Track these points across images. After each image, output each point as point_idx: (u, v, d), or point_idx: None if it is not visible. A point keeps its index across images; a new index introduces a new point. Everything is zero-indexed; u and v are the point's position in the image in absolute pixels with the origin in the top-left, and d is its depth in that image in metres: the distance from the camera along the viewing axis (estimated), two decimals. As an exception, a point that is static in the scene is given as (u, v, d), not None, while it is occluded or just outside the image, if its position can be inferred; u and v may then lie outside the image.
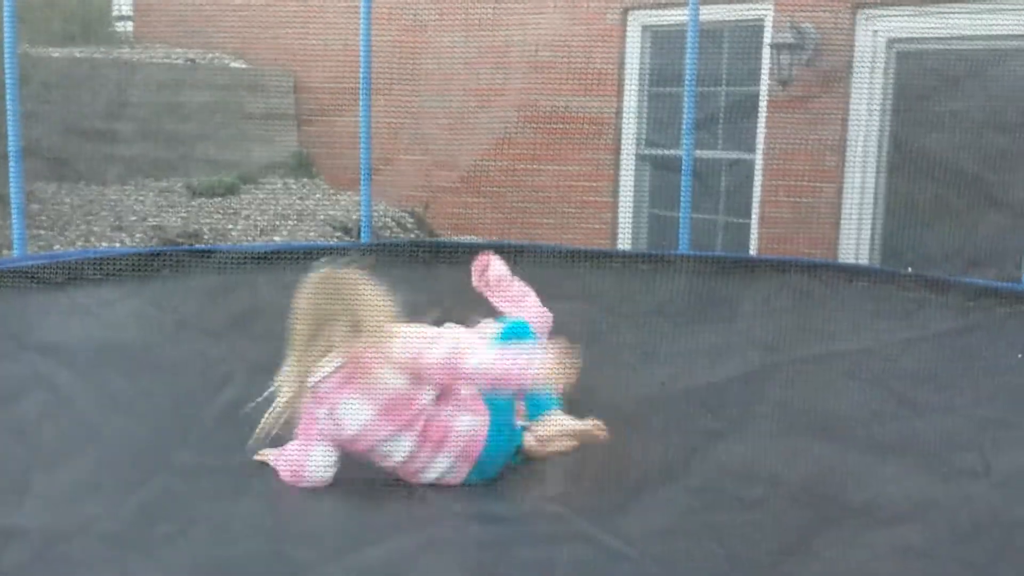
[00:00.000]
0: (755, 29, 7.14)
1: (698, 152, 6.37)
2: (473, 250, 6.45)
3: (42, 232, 7.21)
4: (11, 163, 5.55)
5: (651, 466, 2.79)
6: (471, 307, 4.39)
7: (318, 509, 2.51)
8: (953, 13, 6.26)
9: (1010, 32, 5.92)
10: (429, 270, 5.63)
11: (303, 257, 5.79)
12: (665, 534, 2.38)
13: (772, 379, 3.15)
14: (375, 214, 7.70)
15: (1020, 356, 3.66)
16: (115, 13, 10.85)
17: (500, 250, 6.17)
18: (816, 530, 2.43)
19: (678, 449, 2.89)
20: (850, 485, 2.66)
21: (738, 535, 2.51)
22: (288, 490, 2.57)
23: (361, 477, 2.60)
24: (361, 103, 6.68)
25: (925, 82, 6.46)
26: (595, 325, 4.03)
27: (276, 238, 7.88)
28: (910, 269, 4.79)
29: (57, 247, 7.07)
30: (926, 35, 6.53)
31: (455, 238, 7.90)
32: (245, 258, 5.52)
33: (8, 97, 5.52)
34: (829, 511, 2.54)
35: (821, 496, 2.63)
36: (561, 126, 7.76)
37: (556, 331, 3.80)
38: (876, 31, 6.73)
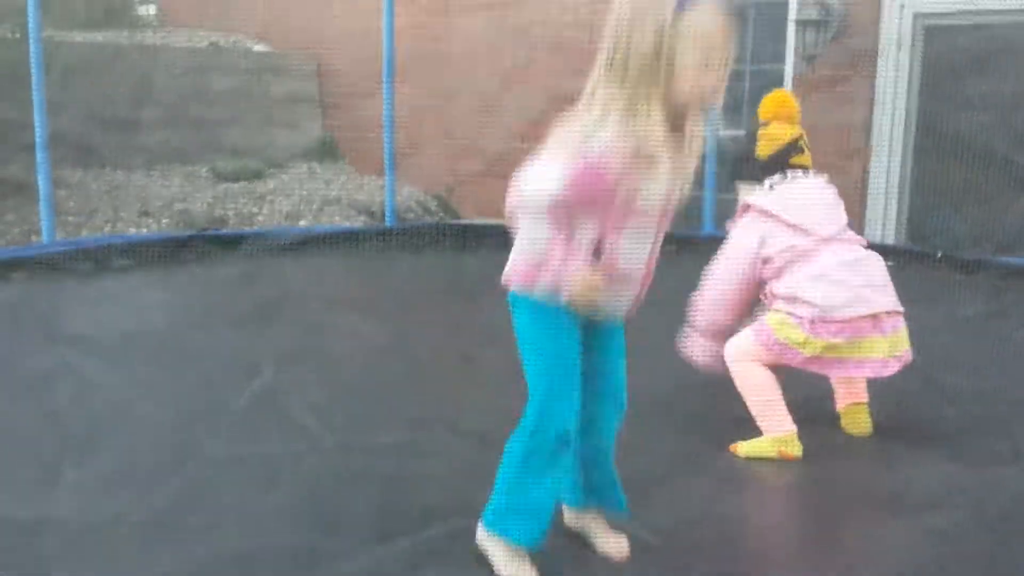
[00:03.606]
0: (780, 5, 7.06)
1: (721, 131, 6.32)
2: (496, 232, 6.51)
3: (70, 218, 7.26)
4: (38, 152, 5.60)
5: (677, 455, 2.78)
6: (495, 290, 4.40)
7: (348, 499, 2.53)
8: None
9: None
10: (453, 253, 5.64)
11: (329, 242, 5.85)
12: (691, 524, 2.38)
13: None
14: (399, 198, 7.70)
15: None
16: (139, -2, 10.90)
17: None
18: (844, 517, 2.43)
19: (705, 437, 2.89)
20: (879, 471, 2.65)
21: (763, 522, 2.51)
22: (319, 479, 2.58)
23: (390, 470, 2.62)
24: (384, 86, 6.68)
25: (954, 59, 6.37)
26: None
27: (301, 222, 7.91)
28: (940, 254, 4.73)
29: (85, 232, 7.13)
30: (954, 10, 6.43)
31: (479, 220, 7.89)
32: (273, 244, 5.55)
33: (34, 85, 5.56)
34: (857, 498, 2.53)
35: (847, 482, 2.62)
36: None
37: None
38: (903, 5, 6.64)
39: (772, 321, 2.83)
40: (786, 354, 2.79)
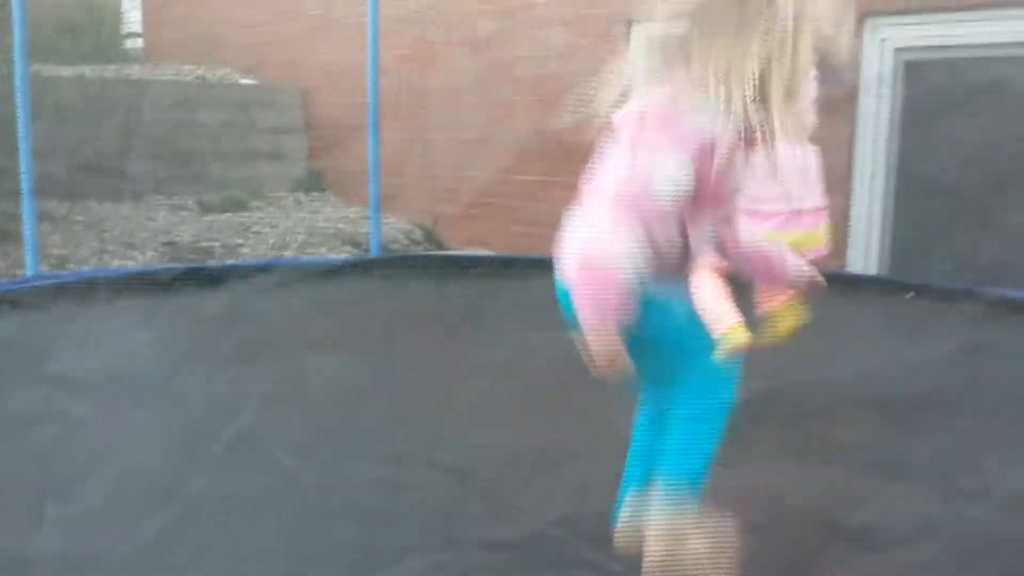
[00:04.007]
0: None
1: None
2: (484, 262, 6.57)
3: (55, 251, 7.27)
4: (24, 192, 5.61)
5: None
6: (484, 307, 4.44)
7: (328, 535, 2.54)
8: (964, 21, 6.27)
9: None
10: (437, 285, 5.66)
11: (314, 274, 5.87)
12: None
13: (779, 395, 3.15)
14: (385, 228, 7.74)
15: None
16: (125, 30, 10.95)
17: (509, 264, 6.28)
18: (813, 551, 2.45)
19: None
20: (848, 506, 2.67)
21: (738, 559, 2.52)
22: (301, 515, 2.59)
23: (369, 506, 2.63)
24: (369, 117, 6.73)
25: (934, 93, 6.46)
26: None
27: (287, 253, 7.94)
28: (911, 294, 4.78)
29: (71, 265, 7.14)
30: (936, 44, 6.52)
31: (466, 251, 7.94)
32: (256, 275, 5.56)
33: (20, 121, 5.58)
34: (828, 533, 2.55)
35: (820, 518, 2.64)
36: (568, 139, 7.79)
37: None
38: (884, 39, 6.73)
39: None
40: None
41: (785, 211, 2.86)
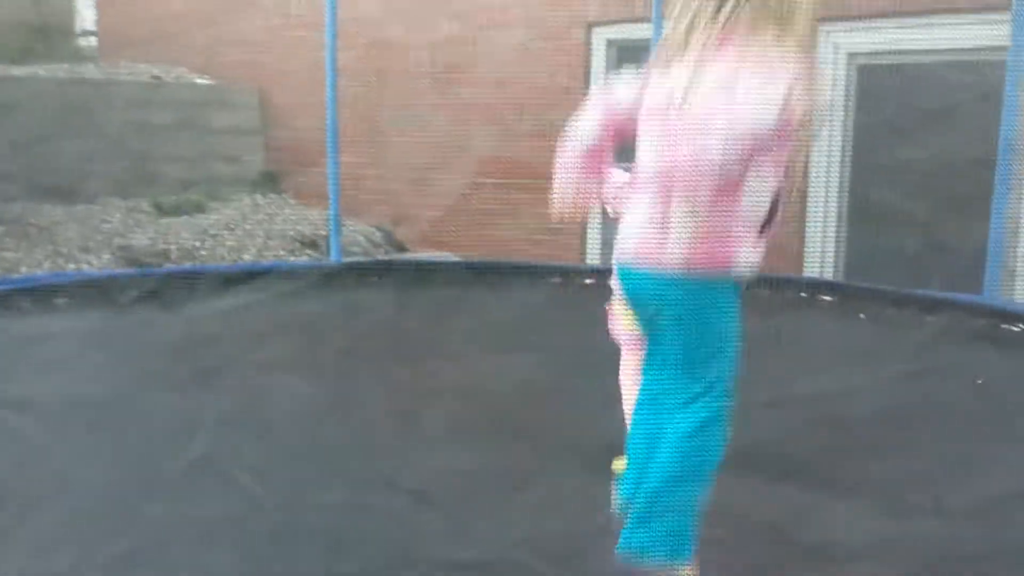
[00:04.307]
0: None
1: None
2: (446, 268, 6.55)
3: (8, 254, 7.17)
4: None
5: (610, 506, 2.81)
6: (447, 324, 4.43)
7: (288, 558, 2.54)
8: (915, 27, 6.35)
9: (975, 45, 5.99)
10: (400, 294, 5.65)
11: (273, 277, 5.81)
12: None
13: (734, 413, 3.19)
14: (345, 230, 7.70)
15: (979, 381, 3.73)
16: (78, 29, 10.79)
17: (472, 270, 6.27)
18: (766, 569, 2.48)
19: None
20: (803, 523, 2.71)
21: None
22: (262, 539, 2.58)
23: (335, 526, 2.63)
24: (328, 119, 6.67)
25: (888, 96, 6.54)
26: (573, 348, 4.09)
27: (245, 256, 7.87)
28: (863, 316, 4.85)
29: (24, 269, 7.03)
30: (890, 49, 6.60)
31: (427, 255, 7.92)
32: (215, 279, 5.51)
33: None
34: (783, 550, 2.59)
35: (776, 535, 2.68)
36: (527, 143, 7.81)
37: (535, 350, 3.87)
38: (838, 45, 6.81)
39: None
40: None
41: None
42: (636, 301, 2.07)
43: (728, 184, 1.79)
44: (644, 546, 2.08)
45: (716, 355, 2.00)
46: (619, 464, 2.80)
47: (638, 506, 2.10)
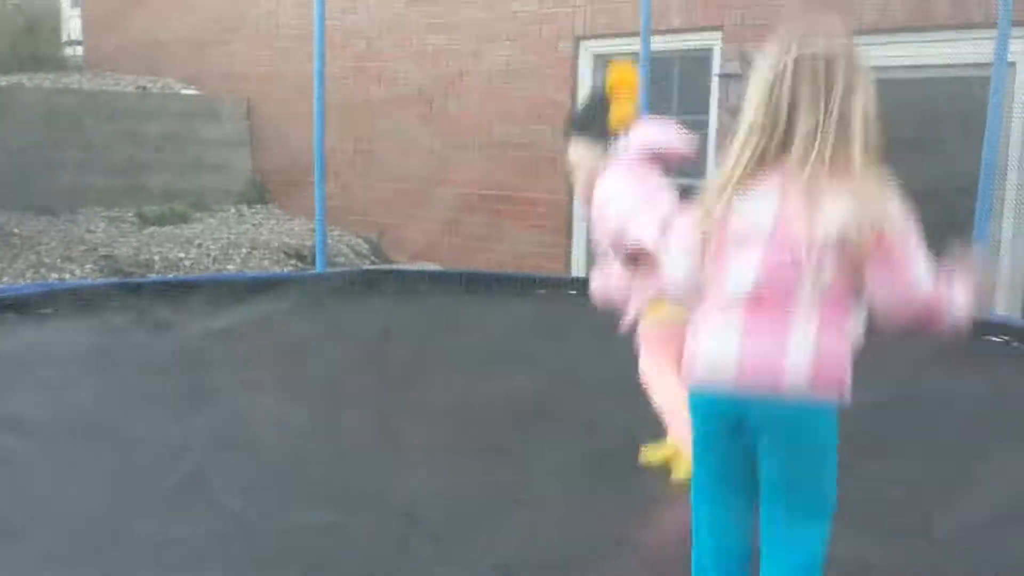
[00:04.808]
0: (704, 59, 7.23)
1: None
2: (432, 279, 6.54)
3: (-9, 264, 7.13)
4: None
5: (596, 527, 2.81)
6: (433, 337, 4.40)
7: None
8: (905, 43, 6.37)
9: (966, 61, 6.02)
10: (386, 307, 5.64)
11: (259, 287, 5.79)
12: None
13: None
14: (330, 240, 7.69)
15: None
16: (65, 39, 10.75)
17: (457, 281, 6.28)
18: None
19: (622, 514, 2.91)
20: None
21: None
22: (248, 559, 2.57)
23: (320, 546, 2.62)
24: (315, 130, 6.66)
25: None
26: (556, 362, 4.09)
27: (229, 267, 7.85)
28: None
29: (6, 279, 6.99)
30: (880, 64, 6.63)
31: (412, 266, 7.91)
32: (196, 293, 5.49)
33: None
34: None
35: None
36: (514, 154, 7.83)
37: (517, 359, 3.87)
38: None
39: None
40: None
41: None
42: (727, 425, 1.88)
43: (837, 301, 1.78)
44: None
45: (824, 480, 1.90)
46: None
47: None
